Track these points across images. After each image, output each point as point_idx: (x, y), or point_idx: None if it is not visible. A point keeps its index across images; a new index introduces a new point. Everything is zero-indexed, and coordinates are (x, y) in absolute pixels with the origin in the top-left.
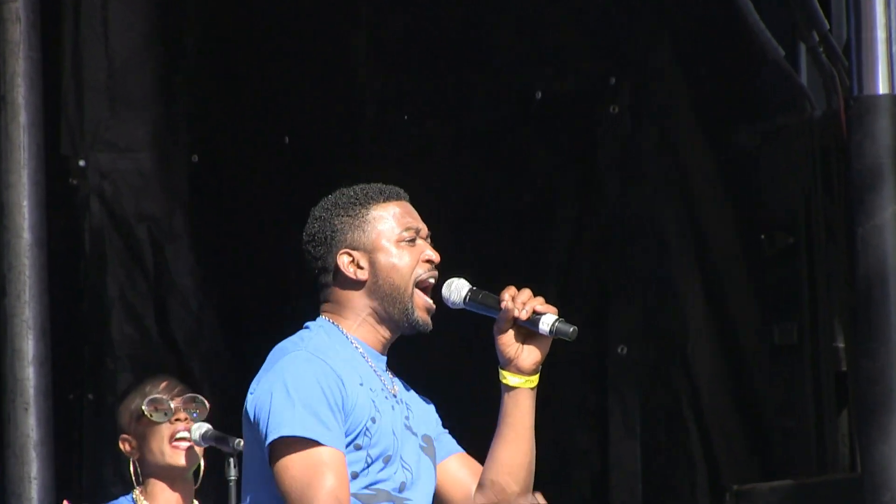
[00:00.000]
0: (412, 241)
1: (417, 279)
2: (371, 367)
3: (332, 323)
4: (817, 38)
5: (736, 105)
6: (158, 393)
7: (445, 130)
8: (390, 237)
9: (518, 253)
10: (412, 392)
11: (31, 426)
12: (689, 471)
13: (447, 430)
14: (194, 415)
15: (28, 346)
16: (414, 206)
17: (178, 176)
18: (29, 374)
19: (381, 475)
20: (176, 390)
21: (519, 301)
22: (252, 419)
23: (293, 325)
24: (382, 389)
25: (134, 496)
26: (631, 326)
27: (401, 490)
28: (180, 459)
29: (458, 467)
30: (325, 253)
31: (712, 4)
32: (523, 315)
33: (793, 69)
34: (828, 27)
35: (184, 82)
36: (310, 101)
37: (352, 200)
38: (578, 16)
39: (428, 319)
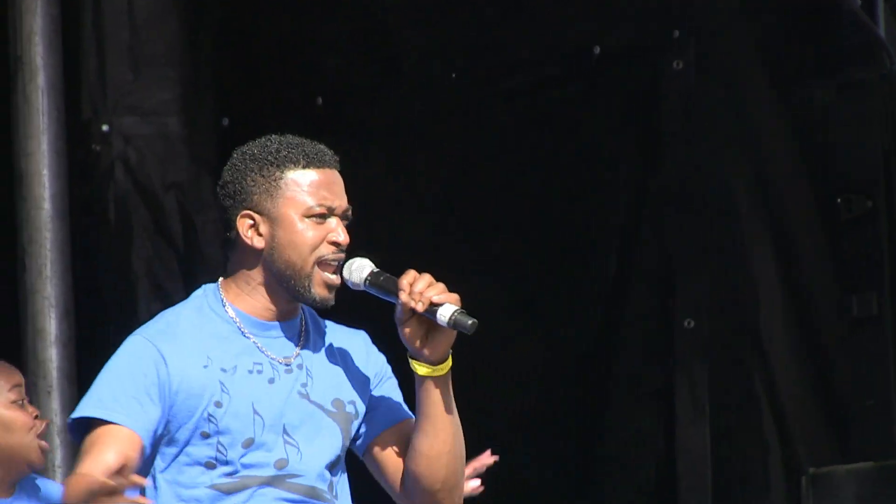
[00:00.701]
0: (321, 216)
1: (319, 259)
2: (250, 340)
3: (219, 290)
4: None
5: (808, 59)
6: None
7: (494, 88)
8: (298, 209)
9: (574, 218)
10: (330, 351)
11: (55, 411)
12: (762, 453)
13: (389, 384)
14: None
15: (51, 325)
16: (462, 170)
17: (207, 140)
18: (52, 356)
19: (245, 460)
20: None
21: (416, 291)
22: None
23: None
24: (257, 363)
25: None
26: (698, 298)
27: (282, 467)
28: None
29: (391, 442)
30: (231, 208)
31: None
32: (419, 307)
33: (870, 19)
34: None
35: (211, 41)
36: (344, 59)
37: (269, 159)
38: None
39: (327, 294)
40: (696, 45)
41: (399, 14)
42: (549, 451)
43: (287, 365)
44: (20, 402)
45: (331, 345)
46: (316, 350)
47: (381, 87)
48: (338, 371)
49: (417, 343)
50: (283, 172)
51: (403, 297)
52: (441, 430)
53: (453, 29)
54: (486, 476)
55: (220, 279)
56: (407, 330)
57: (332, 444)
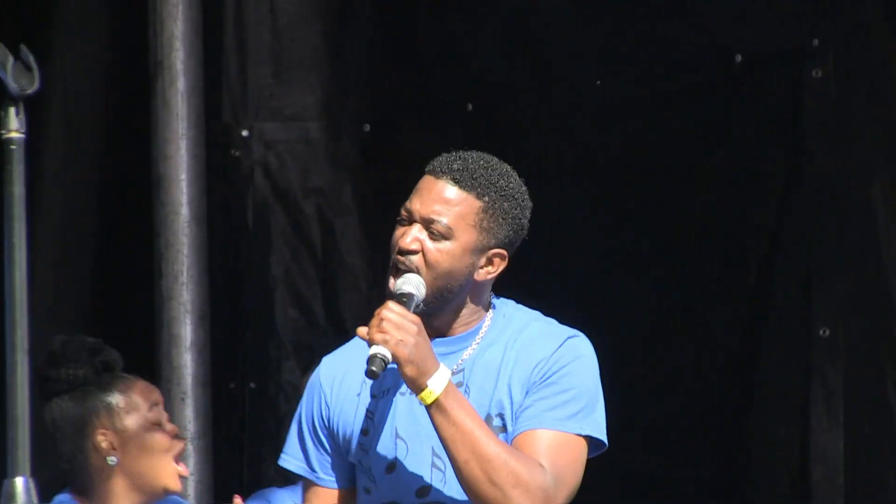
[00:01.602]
0: (403, 220)
1: (391, 262)
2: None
3: None
4: None
5: None
6: None
7: (640, 93)
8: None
9: (717, 225)
10: (494, 364)
11: (188, 418)
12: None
13: (540, 403)
14: None
15: (186, 331)
16: (608, 174)
17: (349, 146)
18: (187, 362)
19: (388, 486)
20: None
21: (370, 326)
22: None
23: None
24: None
25: None
26: (835, 306)
27: (423, 496)
28: None
29: None
30: None
31: None
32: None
33: None
34: None
35: (355, 44)
36: (495, 64)
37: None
38: None
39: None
40: (835, 53)
41: (548, 19)
42: (689, 457)
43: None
44: (159, 422)
45: (507, 349)
46: (484, 360)
47: (531, 93)
48: (500, 381)
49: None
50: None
51: (360, 330)
52: (453, 460)
53: (598, 35)
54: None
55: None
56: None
57: None
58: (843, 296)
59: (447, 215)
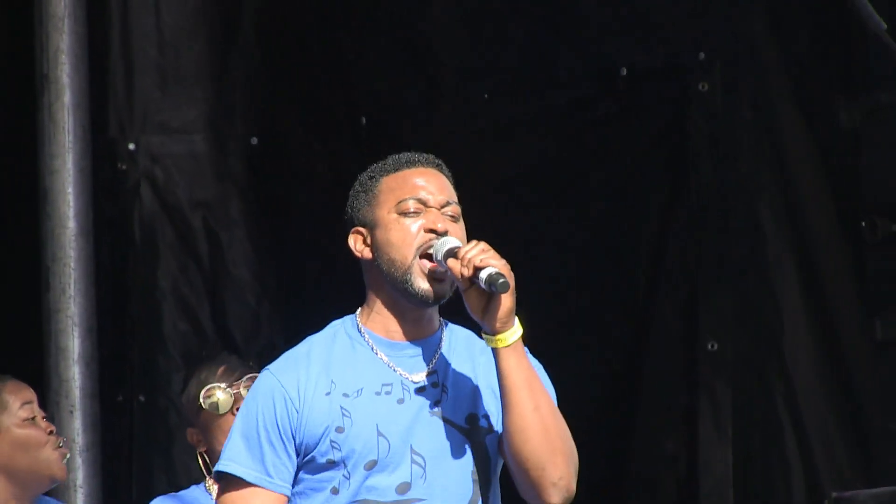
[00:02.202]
0: (416, 211)
1: (419, 250)
2: (382, 360)
3: (356, 316)
4: None
5: (835, 82)
6: (215, 380)
7: (526, 108)
8: (391, 206)
9: (603, 238)
10: (470, 366)
11: (77, 430)
12: (784, 476)
13: None
14: None
15: (73, 344)
16: (494, 188)
17: (235, 159)
18: (74, 374)
19: (368, 483)
20: (235, 374)
21: (465, 258)
22: None
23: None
24: (387, 384)
25: (206, 486)
26: (722, 320)
27: (403, 491)
28: None
29: None
30: (348, 237)
31: None
32: (465, 272)
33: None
34: None
35: (241, 58)
36: (384, 77)
37: (369, 172)
38: None
39: (428, 286)
40: (722, 67)
41: (436, 33)
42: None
43: (418, 383)
44: (32, 418)
45: (474, 357)
46: (455, 364)
47: (420, 107)
48: (480, 385)
49: (479, 314)
50: (378, 181)
51: (453, 263)
52: (517, 404)
53: (486, 49)
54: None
55: (361, 307)
56: (468, 301)
57: (462, 463)
58: (730, 310)
59: (454, 199)
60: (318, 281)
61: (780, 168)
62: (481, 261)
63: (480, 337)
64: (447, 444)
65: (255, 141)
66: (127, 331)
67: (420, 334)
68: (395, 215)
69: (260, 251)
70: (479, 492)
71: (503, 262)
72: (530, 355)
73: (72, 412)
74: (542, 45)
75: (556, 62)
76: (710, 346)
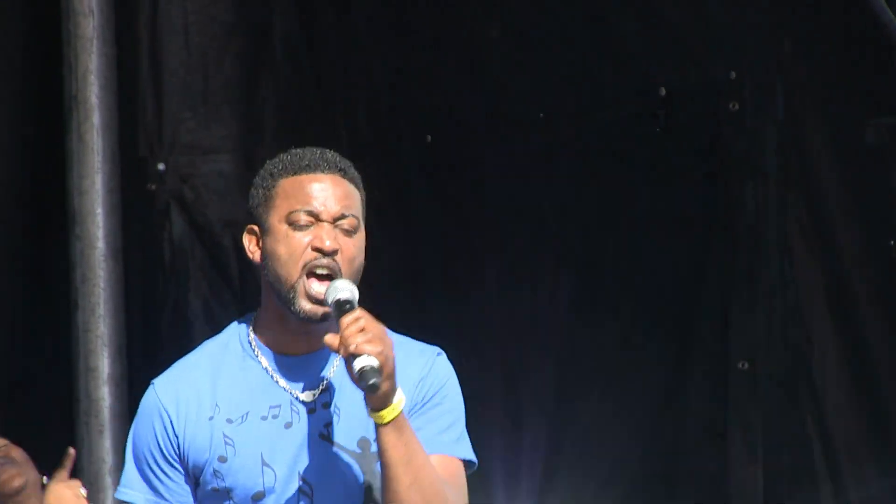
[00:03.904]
0: (306, 224)
1: (305, 267)
2: (272, 378)
3: (251, 321)
4: None
5: (863, 100)
6: None
7: (578, 128)
8: (281, 216)
9: (648, 258)
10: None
11: (106, 450)
12: (814, 496)
13: (429, 426)
14: None
15: (103, 364)
16: (551, 208)
17: None
18: (104, 395)
19: None
20: None
21: (343, 334)
22: None
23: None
24: (274, 406)
25: None
26: (753, 339)
27: None
28: None
29: None
30: (244, 233)
31: None
32: (341, 351)
33: None
34: None
35: (270, 77)
36: (446, 97)
37: (268, 169)
38: (699, 4)
39: (311, 307)
40: (751, 86)
41: (494, 53)
42: (617, 490)
43: (309, 404)
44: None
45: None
46: (349, 384)
47: (482, 125)
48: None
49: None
50: (276, 181)
51: (331, 339)
52: (393, 479)
53: (539, 70)
54: None
55: (254, 312)
56: (348, 371)
57: (350, 491)
58: (761, 329)
59: (354, 208)
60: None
61: (809, 188)
62: (356, 347)
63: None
64: (336, 470)
65: None
66: (158, 351)
67: (313, 347)
68: (285, 226)
69: None
70: None
71: (381, 343)
72: (446, 363)
73: (101, 432)
74: (588, 65)
75: (601, 82)
76: (741, 366)
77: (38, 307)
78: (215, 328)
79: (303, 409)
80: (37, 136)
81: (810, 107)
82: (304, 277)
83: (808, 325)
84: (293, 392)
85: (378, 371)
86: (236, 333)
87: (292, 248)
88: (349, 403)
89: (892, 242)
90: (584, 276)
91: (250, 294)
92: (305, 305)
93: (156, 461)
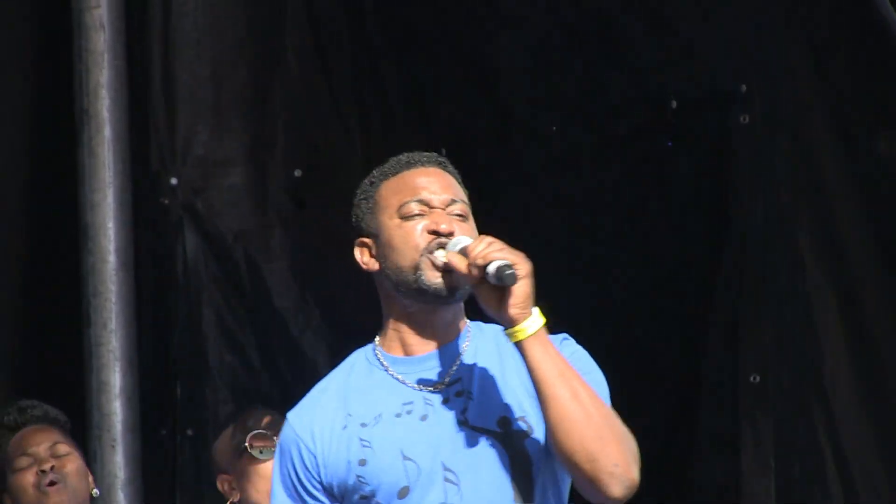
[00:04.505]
0: (419, 214)
1: (424, 252)
2: (398, 380)
3: (375, 340)
4: None
5: (874, 111)
6: (263, 428)
7: (590, 139)
8: (391, 211)
9: (658, 271)
10: (498, 365)
11: (118, 464)
12: None
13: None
14: None
15: (115, 378)
16: (562, 219)
17: (277, 191)
18: (116, 409)
19: None
20: (280, 426)
21: (474, 254)
22: None
23: None
24: (407, 403)
25: None
26: (764, 352)
27: None
28: None
29: None
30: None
31: (847, 4)
32: (474, 272)
33: None
34: None
35: (283, 89)
36: (456, 109)
37: (370, 178)
38: (710, 16)
39: (440, 280)
40: (762, 98)
41: (506, 66)
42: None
43: (441, 394)
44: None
45: (503, 357)
46: (481, 367)
47: (492, 137)
48: (506, 386)
49: (495, 310)
50: (378, 186)
51: (458, 262)
52: (552, 396)
53: (551, 81)
54: None
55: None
56: (482, 301)
57: (496, 473)
58: (772, 341)
59: (461, 197)
60: (361, 312)
61: (819, 199)
62: (485, 256)
63: None
64: (480, 454)
65: (298, 173)
66: (171, 364)
67: (439, 341)
68: (397, 220)
69: (302, 282)
70: (520, 498)
71: (512, 252)
72: (574, 343)
73: (113, 446)
74: (600, 76)
75: (613, 93)
76: (752, 379)
77: (49, 321)
78: (230, 340)
79: (436, 400)
80: (49, 151)
81: (821, 118)
82: (426, 255)
83: (819, 337)
84: (422, 388)
85: (511, 267)
86: (361, 353)
87: (408, 236)
88: (481, 388)
89: None
90: (593, 288)
91: (262, 307)
92: (435, 278)
93: (305, 489)
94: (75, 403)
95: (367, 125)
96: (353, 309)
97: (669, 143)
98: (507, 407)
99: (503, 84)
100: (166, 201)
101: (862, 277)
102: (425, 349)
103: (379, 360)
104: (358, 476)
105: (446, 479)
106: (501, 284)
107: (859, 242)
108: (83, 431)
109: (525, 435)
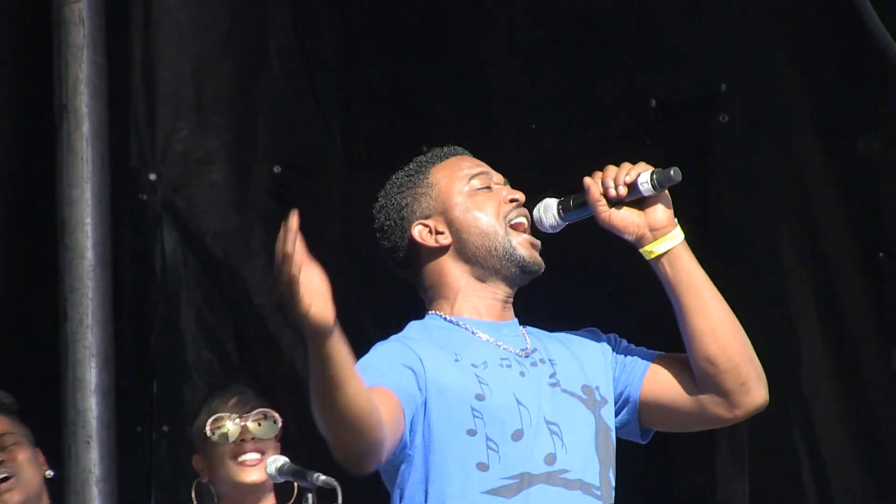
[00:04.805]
0: (487, 188)
1: (508, 221)
2: (485, 339)
3: (435, 314)
4: None
5: (855, 113)
6: (225, 410)
7: (570, 139)
8: (461, 190)
9: (636, 270)
10: (558, 342)
11: (93, 461)
12: None
13: (627, 346)
14: (267, 433)
15: (91, 374)
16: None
17: (257, 188)
18: (91, 405)
19: (517, 454)
20: (247, 406)
21: (608, 184)
22: None
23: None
24: (504, 358)
25: None
26: None
27: (551, 462)
28: (250, 477)
29: (664, 376)
30: (399, 237)
31: (831, 7)
32: (622, 192)
33: None
34: None
35: (264, 87)
36: (441, 108)
37: (408, 174)
38: (692, 16)
39: (536, 256)
40: (742, 98)
41: (488, 64)
42: None
43: (528, 356)
44: None
45: (557, 337)
46: (548, 344)
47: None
48: (576, 360)
49: (638, 228)
50: (427, 173)
51: (594, 195)
52: (708, 300)
53: (531, 81)
54: None
55: (429, 312)
56: (620, 222)
57: (589, 433)
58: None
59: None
60: (340, 310)
61: (800, 199)
62: (630, 172)
63: None
64: (575, 414)
65: (277, 169)
66: (148, 361)
67: (507, 316)
68: (466, 195)
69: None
70: (603, 462)
71: (640, 163)
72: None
73: (88, 443)
74: (580, 78)
75: (594, 94)
76: None
77: (26, 317)
78: (208, 338)
79: (526, 362)
80: (27, 146)
81: (801, 119)
82: (511, 231)
83: (798, 338)
84: (510, 349)
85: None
86: (425, 321)
87: (489, 206)
88: (558, 359)
89: (882, 255)
90: (572, 287)
91: (241, 304)
92: (529, 252)
93: (397, 363)
94: (51, 399)
95: (350, 124)
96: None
97: (647, 142)
98: (585, 376)
99: (487, 85)
100: (145, 198)
101: (841, 278)
102: (496, 317)
103: (456, 322)
104: (473, 409)
105: (552, 432)
106: (659, 190)
107: (839, 243)
108: (59, 427)
109: (604, 403)
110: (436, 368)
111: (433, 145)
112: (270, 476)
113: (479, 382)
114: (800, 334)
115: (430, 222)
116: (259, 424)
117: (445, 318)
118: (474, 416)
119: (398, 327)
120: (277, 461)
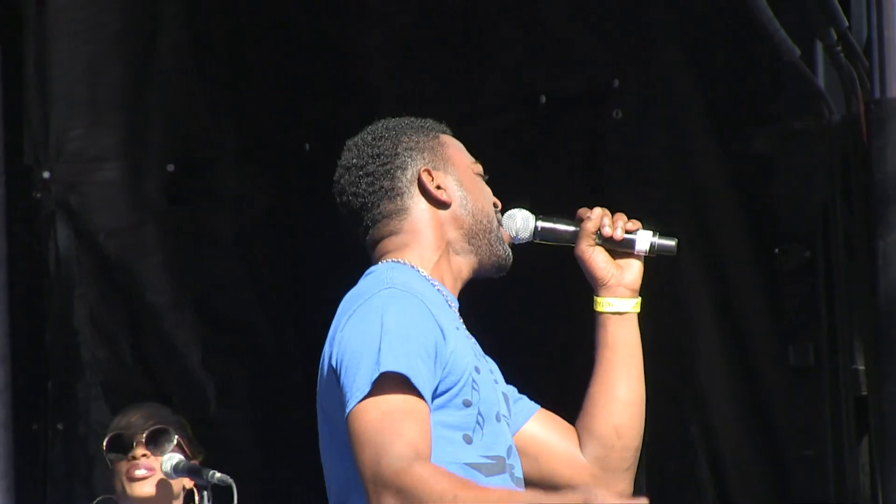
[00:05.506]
0: (480, 176)
1: (497, 219)
2: (454, 311)
3: (403, 262)
4: (835, 38)
5: (749, 109)
6: (120, 429)
7: (458, 136)
8: (469, 164)
9: (528, 268)
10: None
11: None
12: (699, 502)
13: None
14: (162, 448)
15: None
16: None
17: (151, 186)
18: None
19: (494, 437)
20: (147, 424)
21: (608, 221)
22: (337, 378)
23: (268, 351)
24: (469, 338)
25: None
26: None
27: (509, 455)
28: (139, 491)
29: (548, 427)
30: (396, 171)
31: (724, 2)
32: (618, 234)
33: (810, 70)
34: (847, 25)
35: (157, 84)
36: (324, 105)
37: (420, 123)
38: (582, 11)
39: (510, 255)
40: (636, 94)
41: (373, 61)
42: None
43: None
44: None
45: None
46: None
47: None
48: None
49: (610, 276)
50: (436, 133)
51: (590, 226)
52: (637, 374)
53: (418, 77)
54: None
55: (391, 258)
56: (596, 264)
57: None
58: (645, 339)
59: None
60: (235, 307)
61: (694, 195)
62: (632, 222)
63: None
64: (508, 408)
65: (171, 168)
66: (43, 359)
67: (458, 292)
68: (474, 171)
69: (176, 277)
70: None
71: (638, 222)
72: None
73: None
74: (468, 73)
75: (483, 90)
76: None
77: None
78: (103, 336)
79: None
80: None
81: (695, 114)
82: (500, 228)
83: (693, 333)
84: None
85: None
86: (401, 271)
87: (488, 192)
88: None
89: (777, 251)
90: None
91: (136, 302)
92: (508, 251)
93: (425, 352)
94: None
95: (239, 122)
96: (227, 304)
97: (537, 137)
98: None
99: (371, 81)
100: (39, 196)
101: (736, 274)
102: (455, 292)
103: (432, 283)
104: (473, 381)
105: (508, 425)
106: (650, 254)
107: (734, 239)
108: None
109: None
110: (453, 338)
111: (314, 143)
112: (166, 474)
113: (476, 355)
114: (696, 330)
115: (436, 175)
116: (153, 440)
117: (418, 271)
118: (473, 388)
119: (289, 321)
120: (173, 459)
